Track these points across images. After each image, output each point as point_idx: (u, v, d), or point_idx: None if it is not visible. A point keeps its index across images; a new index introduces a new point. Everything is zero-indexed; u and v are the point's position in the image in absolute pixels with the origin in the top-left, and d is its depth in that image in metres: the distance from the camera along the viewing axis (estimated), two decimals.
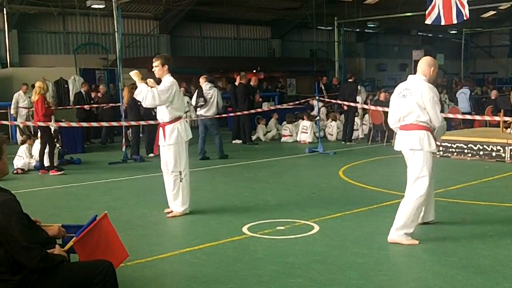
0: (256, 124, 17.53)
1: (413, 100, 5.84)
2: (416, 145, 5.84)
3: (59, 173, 11.34)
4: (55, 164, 11.56)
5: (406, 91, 5.95)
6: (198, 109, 13.30)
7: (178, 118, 7.37)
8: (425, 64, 6.03)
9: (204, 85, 13.29)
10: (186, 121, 10.21)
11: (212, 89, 13.22)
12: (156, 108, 7.83)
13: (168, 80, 7.31)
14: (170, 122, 7.32)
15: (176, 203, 7.40)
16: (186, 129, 7.41)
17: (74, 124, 11.58)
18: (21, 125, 16.69)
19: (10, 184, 9.07)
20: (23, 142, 12.37)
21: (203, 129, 13.23)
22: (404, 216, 5.84)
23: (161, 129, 7.40)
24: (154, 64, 7.30)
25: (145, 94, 7.15)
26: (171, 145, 7.27)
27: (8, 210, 3.52)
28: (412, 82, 6.02)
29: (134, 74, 7.23)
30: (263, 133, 17.41)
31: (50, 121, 11.46)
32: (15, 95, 17.67)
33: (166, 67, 7.32)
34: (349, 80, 16.11)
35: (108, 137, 16.95)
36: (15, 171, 11.47)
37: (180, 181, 7.34)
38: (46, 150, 11.37)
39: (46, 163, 11.46)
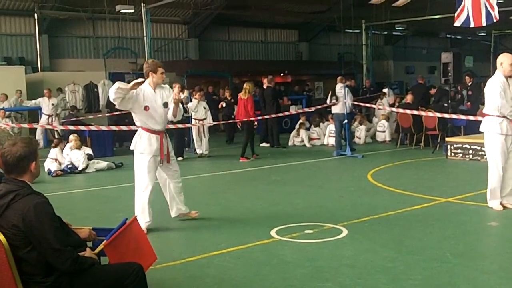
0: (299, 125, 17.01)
1: None
2: None
3: (248, 160, 13.13)
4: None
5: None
6: (333, 107, 14.29)
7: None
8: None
9: (338, 85, 14.08)
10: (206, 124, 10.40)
11: (343, 89, 13.85)
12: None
13: None
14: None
15: (139, 215, 6.63)
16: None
17: (103, 128, 11.70)
18: (50, 128, 16.93)
19: (43, 187, 9.24)
20: (55, 145, 12.62)
21: (338, 125, 14.17)
22: None
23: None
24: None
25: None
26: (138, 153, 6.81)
27: (41, 212, 3.56)
28: None
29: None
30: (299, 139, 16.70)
31: (257, 116, 13.64)
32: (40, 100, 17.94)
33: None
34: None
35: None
36: (53, 174, 11.73)
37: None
38: None
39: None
